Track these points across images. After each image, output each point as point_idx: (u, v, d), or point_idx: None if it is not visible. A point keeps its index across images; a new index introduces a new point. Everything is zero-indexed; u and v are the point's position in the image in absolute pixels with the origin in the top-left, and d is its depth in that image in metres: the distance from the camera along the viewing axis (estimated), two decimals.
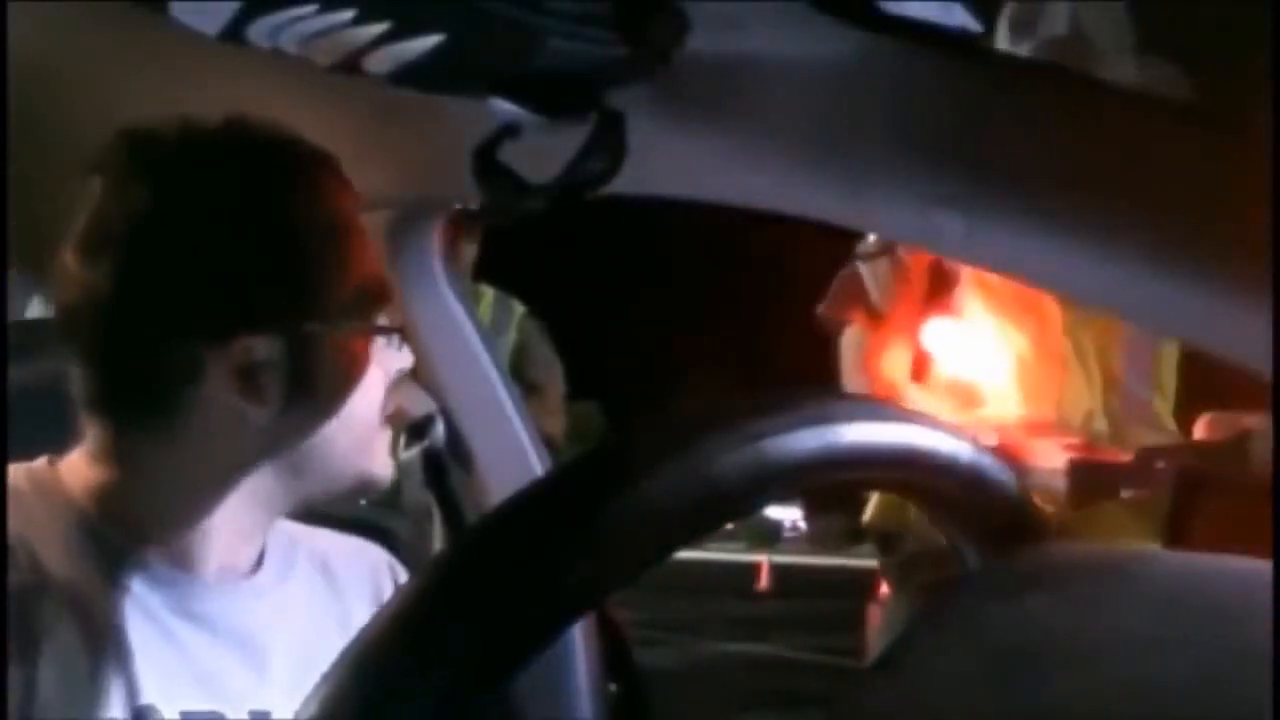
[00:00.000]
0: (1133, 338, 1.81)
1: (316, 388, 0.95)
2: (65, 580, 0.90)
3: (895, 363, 1.95)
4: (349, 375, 0.96)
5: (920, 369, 1.97)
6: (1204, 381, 1.74)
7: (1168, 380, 1.81)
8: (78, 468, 0.96)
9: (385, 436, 1.01)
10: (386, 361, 1.00)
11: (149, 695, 0.91)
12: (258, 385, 0.92)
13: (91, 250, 0.92)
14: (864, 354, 2.01)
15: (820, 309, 2.09)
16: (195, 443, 0.93)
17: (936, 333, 1.91)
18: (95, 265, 0.91)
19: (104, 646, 0.90)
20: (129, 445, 0.95)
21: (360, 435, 0.98)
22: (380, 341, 0.99)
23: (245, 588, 0.99)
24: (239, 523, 0.97)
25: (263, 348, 0.92)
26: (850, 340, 2.05)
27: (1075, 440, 1.78)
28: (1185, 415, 1.80)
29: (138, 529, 0.94)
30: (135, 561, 0.93)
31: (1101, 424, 1.81)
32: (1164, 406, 1.81)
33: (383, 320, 1.00)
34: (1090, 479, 1.69)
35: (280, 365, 0.92)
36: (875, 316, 2.01)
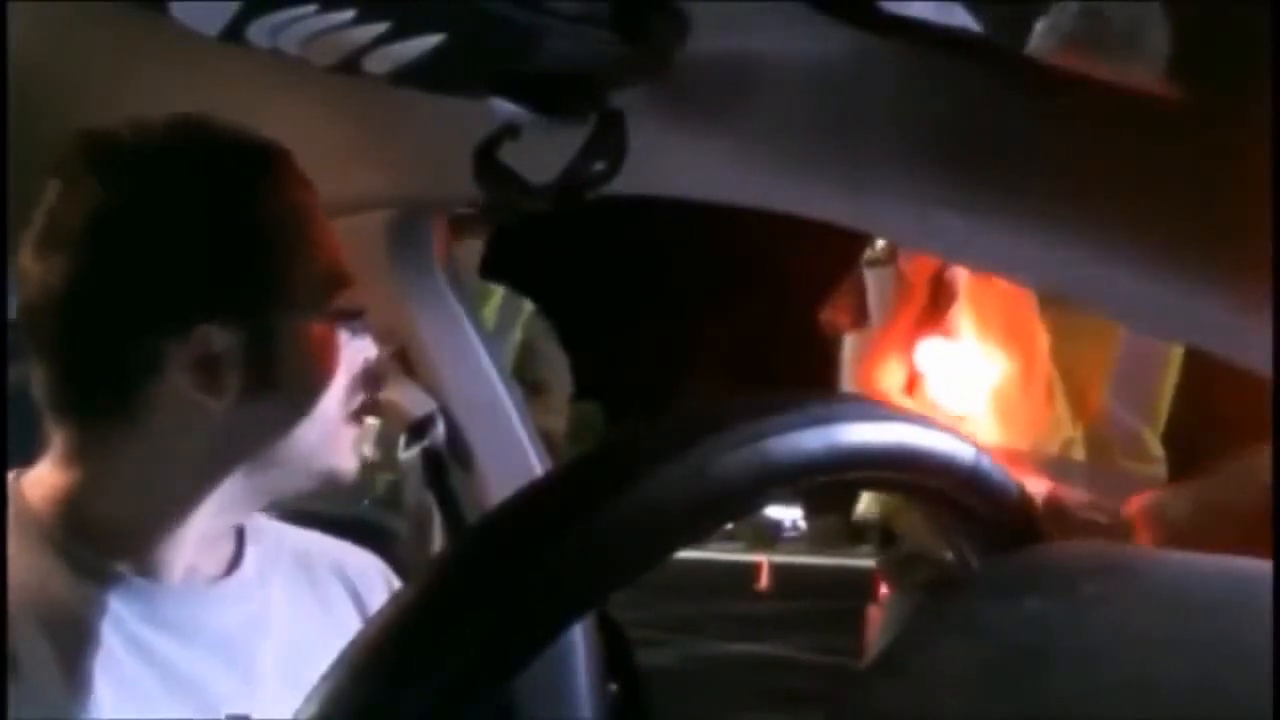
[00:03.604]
0: (1126, 368, 1.79)
1: (276, 378, 0.94)
2: (31, 598, 0.88)
3: (890, 375, 1.95)
4: (310, 365, 0.96)
5: (912, 384, 1.97)
6: (1196, 408, 1.74)
7: (1163, 410, 1.80)
8: (41, 479, 0.95)
9: (350, 430, 1.00)
10: (350, 351, 0.99)
11: (121, 709, 0.89)
12: (216, 377, 0.92)
13: (47, 249, 0.92)
14: (860, 363, 2.01)
15: (823, 313, 2.09)
16: (156, 439, 0.93)
17: (929, 352, 1.92)
18: (51, 264, 0.91)
19: (72, 663, 0.88)
20: (91, 445, 0.94)
21: (323, 427, 0.97)
22: (344, 333, 0.98)
23: (218, 590, 0.98)
24: (205, 523, 0.96)
25: (220, 339, 0.91)
26: (852, 346, 2.05)
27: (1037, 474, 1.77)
28: (1173, 440, 1.79)
29: (102, 537, 0.93)
30: (100, 573, 0.92)
31: (1080, 453, 1.80)
32: (1154, 437, 1.80)
33: (345, 308, 0.99)
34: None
35: (238, 357, 0.92)
36: (870, 326, 2.01)
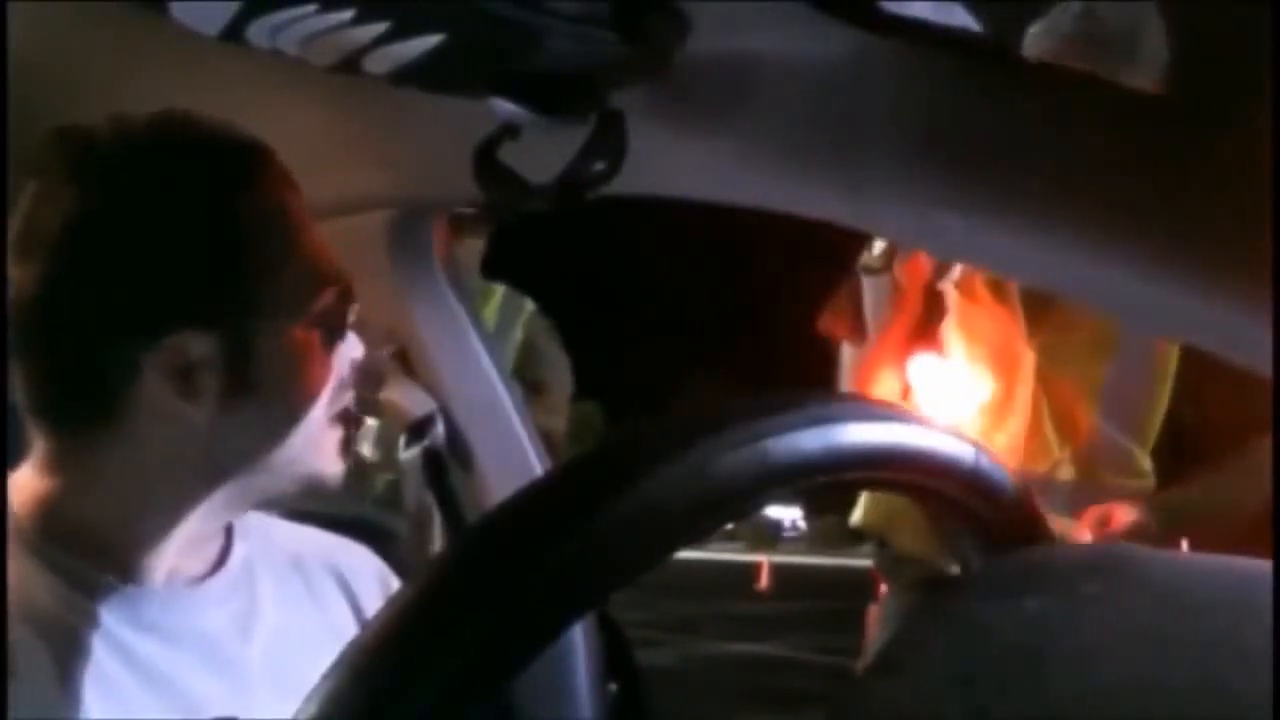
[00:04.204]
0: (1115, 389, 1.79)
1: (257, 384, 0.93)
2: (12, 603, 0.87)
3: (885, 385, 1.95)
4: (291, 371, 0.94)
5: (905, 395, 1.97)
6: (1187, 414, 1.74)
7: (1153, 428, 1.79)
8: (22, 484, 0.94)
9: (335, 433, 0.98)
10: (337, 353, 0.98)
11: (104, 713, 0.88)
12: (194, 384, 0.90)
13: (24, 253, 0.90)
14: (857, 371, 2.02)
15: (821, 320, 2.10)
16: (135, 445, 0.92)
17: (920, 368, 1.92)
18: (27, 267, 0.90)
19: (53, 668, 0.88)
20: (69, 451, 0.93)
21: (306, 431, 0.95)
22: (329, 335, 0.97)
23: (202, 591, 0.97)
24: (188, 527, 0.95)
25: (198, 346, 0.90)
26: (849, 354, 2.06)
27: None
28: (1163, 448, 1.78)
29: (82, 542, 0.92)
30: (79, 577, 0.91)
31: (1068, 473, 1.80)
32: (1144, 454, 1.79)
33: (329, 310, 0.97)
34: None
35: (217, 363, 0.91)
36: (862, 334, 2.01)
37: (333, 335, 0.97)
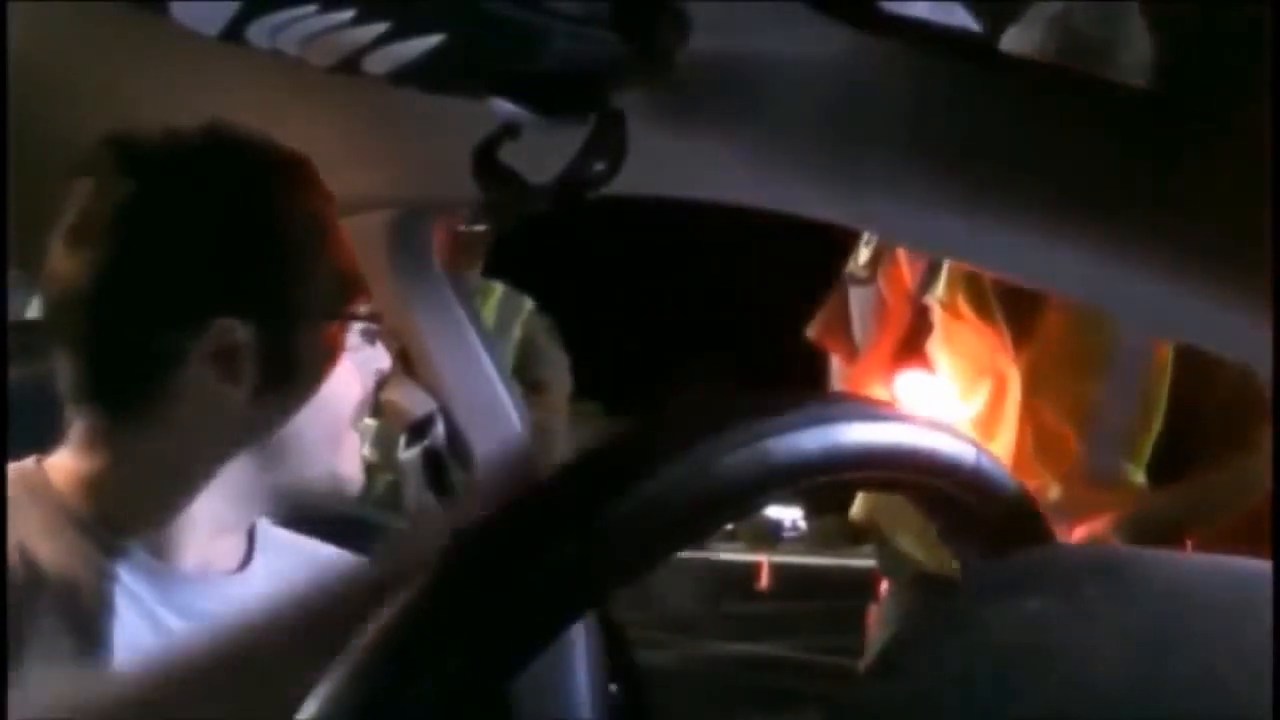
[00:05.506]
0: (1107, 409, 1.78)
1: (291, 375, 0.98)
2: (55, 575, 0.93)
3: (876, 395, 1.94)
4: (323, 366, 1.00)
5: None
6: (1186, 434, 1.74)
7: (1147, 445, 1.78)
8: (64, 465, 0.99)
9: (356, 439, 1.03)
10: (363, 360, 1.03)
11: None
12: (235, 367, 0.96)
13: (77, 244, 0.95)
14: (847, 384, 2.01)
15: (810, 330, 2.09)
16: (176, 429, 0.97)
17: (907, 384, 1.91)
18: (80, 258, 0.95)
19: (92, 637, 0.93)
20: (113, 434, 0.98)
21: (331, 430, 1.01)
22: (358, 340, 1.02)
23: (231, 581, 1.02)
24: (217, 515, 1.00)
25: (240, 331, 0.95)
26: (837, 368, 2.05)
27: None
28: (1159, 467, 1.77)
29: (122, 521, 0.97)
30: (121, 553, 0.96)
31: (1056, 493, 1.78)
32: (1137, 469, 1.78)
33: (360, 313, 1.03)
34: None
35: (256, 350, 0.96)
36: (852, 350, 2.01)
37: (364, 341, 1.03)
